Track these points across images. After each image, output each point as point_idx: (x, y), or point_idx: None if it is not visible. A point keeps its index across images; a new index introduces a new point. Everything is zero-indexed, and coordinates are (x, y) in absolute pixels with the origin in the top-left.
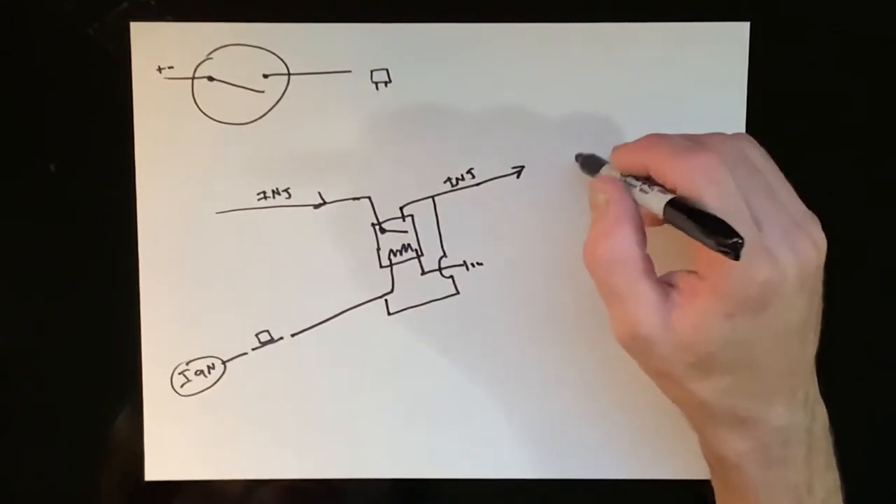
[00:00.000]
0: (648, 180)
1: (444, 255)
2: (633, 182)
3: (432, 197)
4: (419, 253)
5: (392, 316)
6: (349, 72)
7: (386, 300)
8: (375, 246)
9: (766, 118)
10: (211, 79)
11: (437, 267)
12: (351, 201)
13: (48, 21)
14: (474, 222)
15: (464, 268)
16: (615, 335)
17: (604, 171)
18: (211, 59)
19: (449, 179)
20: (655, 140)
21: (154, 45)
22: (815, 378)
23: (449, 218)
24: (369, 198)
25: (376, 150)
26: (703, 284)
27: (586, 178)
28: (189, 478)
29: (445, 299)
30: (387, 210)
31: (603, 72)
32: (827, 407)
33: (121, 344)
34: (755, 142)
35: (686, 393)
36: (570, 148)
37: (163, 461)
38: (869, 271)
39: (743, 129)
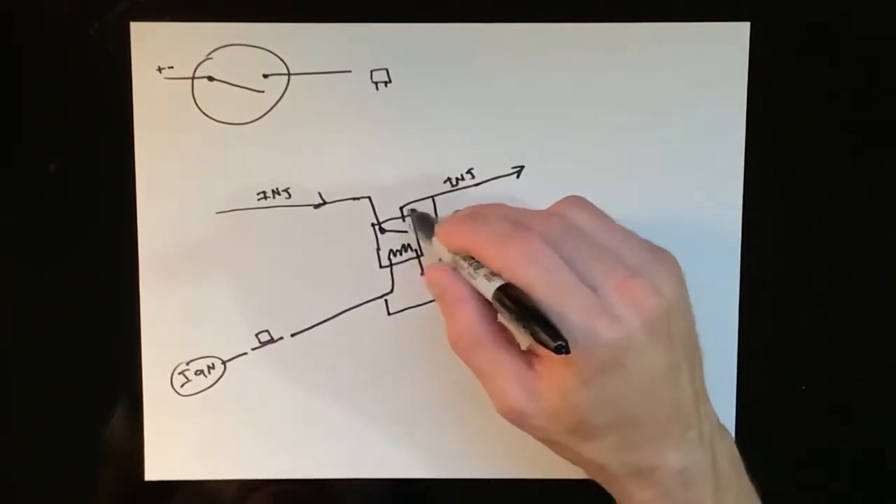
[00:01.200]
0: (475, 261)
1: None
2: (461, 263)
3: (432, 197)
4: (419, 253)
5: (392, 316)
6: (349, 72)
7: (386, 300)
8: (375, 246)
9: (766, 118)
10: (211, 79)
11: None
12: (351, 201)
13: (48, 21)
14: None
15: None
16: (497, 411)
17: (434, 241)
18: (211, 59)
19: (449, 179)
20: (475, 224)
21: (154, 45)
22: (710, 412)
23: None
24: (369, 198)
25: (376, 150)
26: (557, 355)
27: (587, 177)
28: (189, 478)
29: None
30: (387, 210)
31: (603, 72)
32: (827, 407)
33: (121, 344)
34: (581, 201)
35: (577, 456)
36: (570, 148)
37: (163, 461)
38: (869, 271)
39: (743, 129)
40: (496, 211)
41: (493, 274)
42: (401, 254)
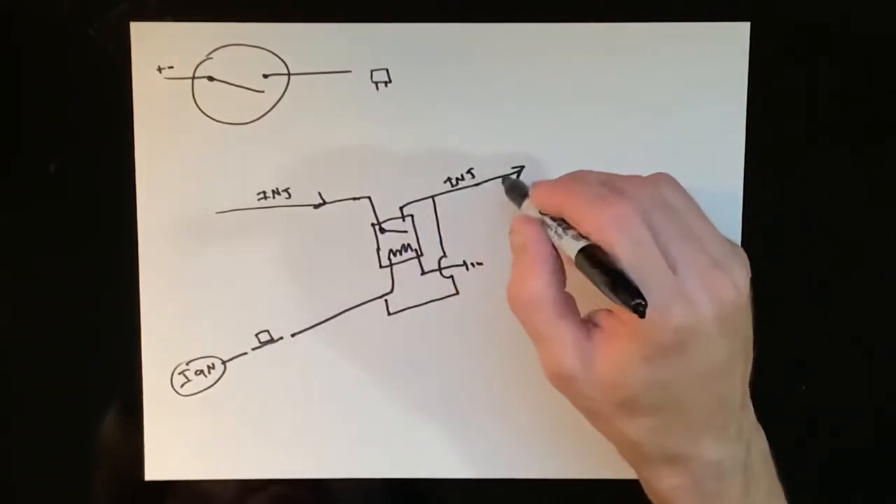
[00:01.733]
0: (564, 222)
1: (444, 255)
2: (550, 223)
3: (432, 197)
4: (419, 253)
5: (392, 316)
6: (349, 72)
7: (386, 300)
8: (375, 246)
9: (766, 118)
10: (211, 79)
11: (436, 267)
12: (351, 201)
13: (48, 21)
14: (474, 222)
15: (464, 268)
16: (545, 374)
17: (525, 205)
18: (211, 59)
19: (449, 179)
20: (572, 184)
21: (154, 45)
22: (750, 410)
23: (449, 218)
24: (369, 198)
25: (376, 150)
26: (622, 327)
27: None
28: (189, 478)
29: (445, 299)
30: (387, 210)
31: (603, 72)
32: (827, 407)
33: (121, 344)
34: (674, 181)
35: (615, 431)
36: (570, 148)
37: (163, 461)
38: (869, 271)
39: (742, 130)
40: (592, 175)
41: (581, 236)
42: (401, 254)
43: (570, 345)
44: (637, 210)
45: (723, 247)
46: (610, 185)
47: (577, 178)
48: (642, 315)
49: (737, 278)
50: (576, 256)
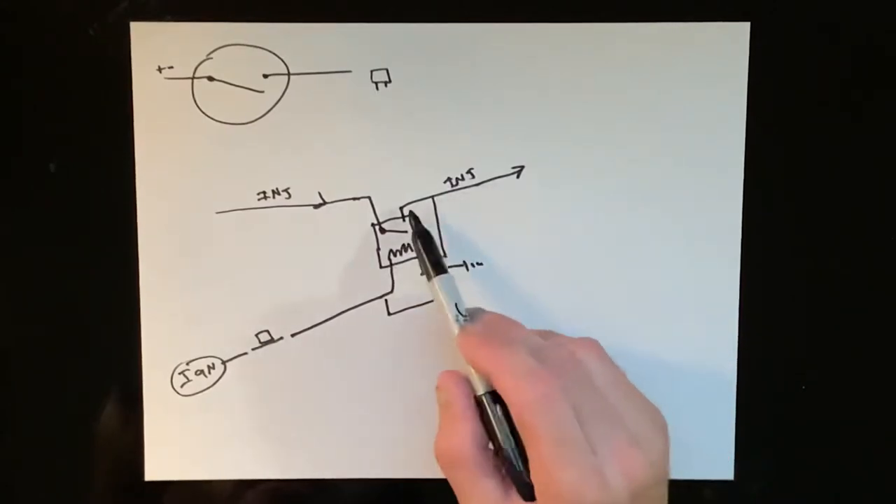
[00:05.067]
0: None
1: (444, 255)
2: (477, 385)
3: (432, 197)
4: None
5: (392, 316)
6: (349, 72)
7: (386, 300)
8: (375, 246)
9: (766, 118)
10: (211, 79)
11: None
12: (351, 201)
13: (48, 21)
14: (474, 222)
15: (464, 268)
16: None
17: (435, 283)
18: (211, 59)
19: (449, 179)
20: (500, 352)
21: (154, 45)
22: None
23: (449, 218)
24: (369, 198)
25: (376, 150)
26: (539, 497)
27: (587, 177)
28: (189, 478)
29: None
30: (387, 210)
31: (603, 72)
32: (828, 408)
33: (121, 344)
34: (599, 350)
35: None
36: (570, 148)
37: (162, 461)
38: (869, 271)
39: (742, 129)
40: (518, 338)
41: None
42: (401, 254)
43: (491, 503)
44: (562, 389)
45: (642, 419)
46: (537, 355)
47: (506, 344)
48: (528, 498)
49: (653, 454)
50: (493, 415)
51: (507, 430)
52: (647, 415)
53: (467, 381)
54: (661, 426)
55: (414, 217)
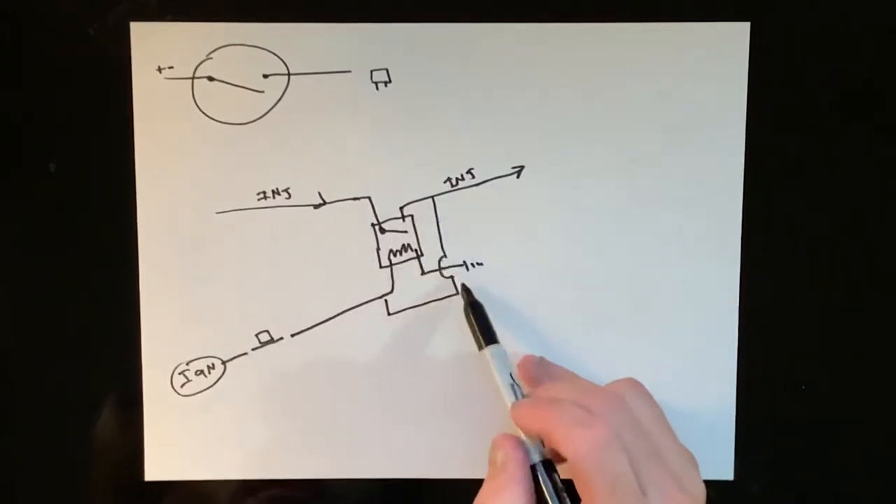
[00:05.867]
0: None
1: (444, 255)
2: (532, 454)
3: (432, 197)
4: (419, 253)
5: (392, 316)
6: (349, 72)
7: (386, 300)
8: (375, 246)
9: (766, 118)
10: (211, 79)
11: (437, 267)
12: (351, 201)
13: (48, 21)
14: (474, 222)
15: (464, 268)
16: None
17: (488, 352)
18: (211, 59)
19: (449, 179)
20: (550, 409)
21: (154, 45)
22: None
23: (449, 218)
24: (369, 198)
25: (376, 150)
26: None
27: (587, 177)
28: (189, 478)
29: (445, 299)
30: (387, 210)
31: (603, 72)
32: (828, 408)
33: (121, 344)
34: (640, 387)
35: None
36: (570, 148)
37: (163, 461)
38: (869, 271)
39: (742, 130)
40: (567, 393)
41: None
42: (401, 254)
43: None
44: (614, 436)
45: (681, 458)
46: (587, 404)
47: (555, 402)
48: None
49: (697, 495)
50: (545, 482)
51: (557, 500)
52: (685, 453)
53: (525, 447)
54: (696, 465)
55: (466, 289)
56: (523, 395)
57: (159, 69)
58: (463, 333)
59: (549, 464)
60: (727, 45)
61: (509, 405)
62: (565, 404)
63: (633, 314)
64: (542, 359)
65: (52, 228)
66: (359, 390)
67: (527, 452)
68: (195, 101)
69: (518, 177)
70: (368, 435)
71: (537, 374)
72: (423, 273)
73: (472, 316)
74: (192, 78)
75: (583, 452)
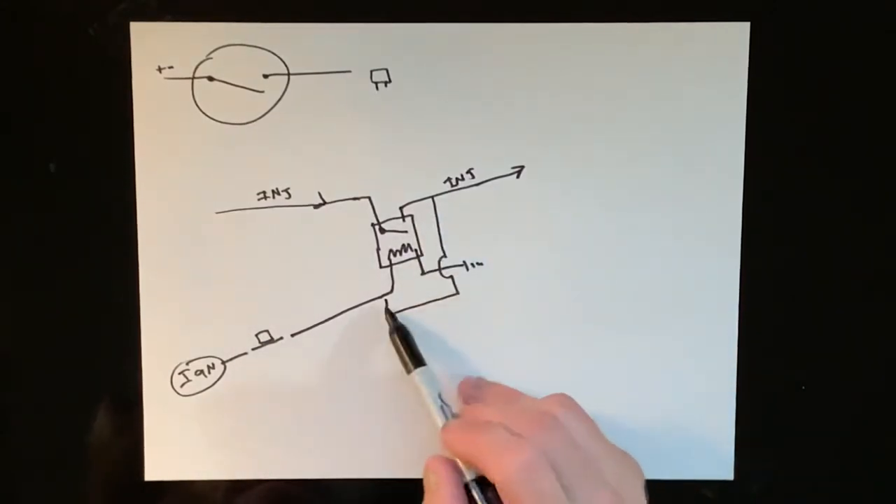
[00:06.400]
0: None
1: (444, 255)
2: (465, 473)
3: (432, 197)
4: (419, 253)
5: None
6: (349, 72)
7: (386, 300)
8: (375, 246)
9: (766, 118)
10: (211, 79)
11: (436, 267)
12: (351, 201)
13: (48, 21)
14: (474, 222)
15: (464, 268)
16: None
17: (416, 374)
18: (211, 59)
19: (449, 179)
20: (477, 433)
21: (154, 45)
22: None
23: (449, 218)
24: (369, 198)
25: (376, 150)
26: None
27: (587, 177)
28: (189, 478)
29: (445, 299)
30: (387, 210)
31: (603, 72)
32: (827, 408)
33: (121, 343)
34: (572, 404)
35: None
36: (570, 148)
37: (162, 461)
38: (869, 271)
39: (742, 130)
40: (496, 415)
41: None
42: (401, 254)
43: None
44: (542, 455)
45: (620, 467)
46: (515, 425)
47: (483, 426)
48: None
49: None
50: (470, 482)
51: None
52: (625, 463)
53: (457, 467)
54: (638, 473)
55: (390, 314)
56: (453, 415)
57: (159, 69)
58: (463, 333)
59: (483, 480)
60: (727, 45)
61: (440, 426)
62: (492, 429)
63: (633, 314)
64: (479, 379)
65: (52, 228)
66: (359, 390)
67: (460, 472)
68: (195, 101)
69: (518, 177)
70: (368, 435)
71: (473, 394)
72: (423, 273)
73: (398, 340)
74: (192, 78)
75: (510, 476)
